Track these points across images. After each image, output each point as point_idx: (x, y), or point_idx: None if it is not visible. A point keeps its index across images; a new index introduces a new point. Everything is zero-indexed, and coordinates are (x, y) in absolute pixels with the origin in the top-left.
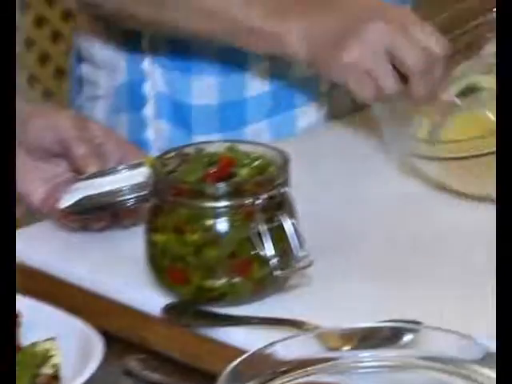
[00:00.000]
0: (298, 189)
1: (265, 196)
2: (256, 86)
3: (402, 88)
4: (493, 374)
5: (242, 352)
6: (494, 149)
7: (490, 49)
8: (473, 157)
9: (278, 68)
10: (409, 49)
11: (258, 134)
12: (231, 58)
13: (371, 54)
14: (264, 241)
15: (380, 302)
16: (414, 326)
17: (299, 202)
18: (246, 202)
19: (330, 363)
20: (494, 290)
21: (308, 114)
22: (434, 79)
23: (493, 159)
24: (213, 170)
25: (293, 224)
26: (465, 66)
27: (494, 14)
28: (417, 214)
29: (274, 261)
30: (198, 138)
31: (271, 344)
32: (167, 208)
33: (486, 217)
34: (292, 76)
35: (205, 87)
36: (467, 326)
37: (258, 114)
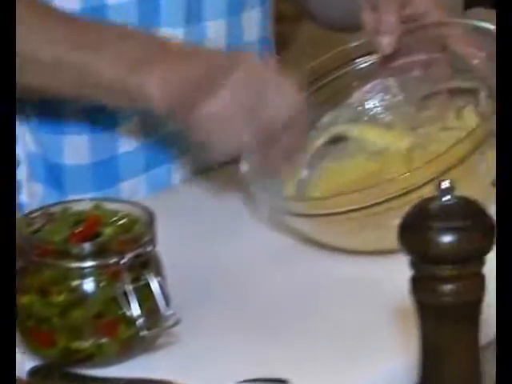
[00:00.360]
0: (165, 246)
1: (130, 255)
2: (128, 142)
3: (260, 144)
4: None
5: None
6: (358, 205)
7: (357, 97)
8: (338, 213)
9: (149, 122)
10: (267, 108)
11: (133, 191)
12: (101, 115)
13: (230, 107)
14: (130, 300)
15: (248, 360)
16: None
17: (167, 260)
18: (111, 261)
19: None
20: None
21: (183, 168)
22: (290, 143)
23: (359, 214)
24: (78, 229)
25: (159, 283)
26: (332, 115)
27: (361, 63)
28: (284, 269)
29: (141, 321)
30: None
31: None
32: (32, 269)
33: (357, 270)
34: (164, 130)
35: (76, 146)
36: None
37: (131, 170)
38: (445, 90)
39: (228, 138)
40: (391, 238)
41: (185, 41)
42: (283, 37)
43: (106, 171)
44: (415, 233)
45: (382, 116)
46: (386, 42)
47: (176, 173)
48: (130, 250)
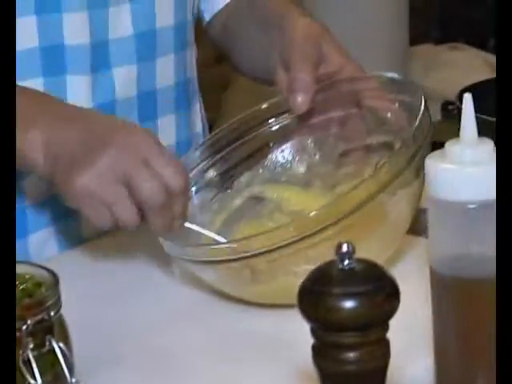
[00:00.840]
0: (72, 308)
1: (33, 321)
2: (35, 194)
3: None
4: None
5: None
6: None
7: (274, 157)
8: (241, 259)
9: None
10: (145, 181)
11: (41, 246)
12: None
13: (104, 182)
14: (34, 368)
15: None
16: None
17: (74, 323)
18: None
19: None
20: None
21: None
22: (171, 214)
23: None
24: None
25: (63, 349)
26: (249, 176)
27: (277, 123)
28: (193, 325)
29: None
30: None
31: None
32: None
33: (269, 325)
34: None
35: None
36: None
37: (39, 223)
38: (361, 146)
39: (100, 213)
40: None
41: (91, 89)
42: (224, 77)
43: None
44: (315, 299)
45: (299, 176)
46: (301, 101)
47: (85, 227)
48: (33, 315)
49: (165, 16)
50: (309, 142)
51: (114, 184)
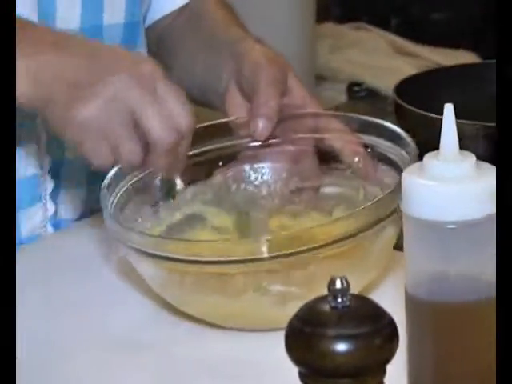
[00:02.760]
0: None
1: None
2: None
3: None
4: None
5: None
6: None
7: (222, 179)
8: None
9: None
10: (154, 119)
11: None
12: None
13: (110, 115)
14: None
15: None
16: None
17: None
18: None
19: None
20: None
21: (34, 216)
22: (176, 155)
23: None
24: None
25: None
26: (193, 192)
27: (229, 143)
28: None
29: None
30: None
31: None
32: None
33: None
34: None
35: None
36: None
37: None
38: (313, 187)
39: (101, 149)
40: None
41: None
42: None
43: None
44: (306, 342)
45: (240, 204)
46: (262, 127)
47: (24, 223)
48: None
49: (114, 13)
50: (259, 171)
51: (120, 117)
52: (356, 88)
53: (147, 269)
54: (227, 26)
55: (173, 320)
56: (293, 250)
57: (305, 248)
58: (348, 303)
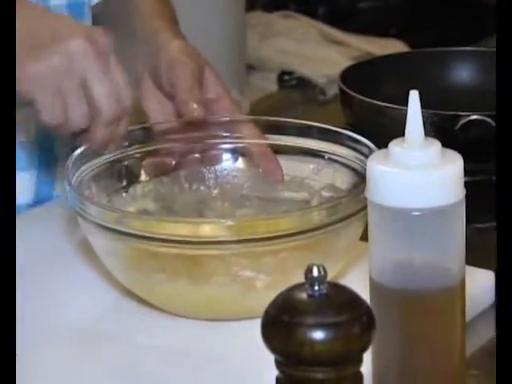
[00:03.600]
0: None
1: None
2: None
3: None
4: None
5: None
6: None
7: (174, 178)
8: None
9: None
10: (105, 90)
11: None
12: None
13: (65, 73)
14: None
15: None
16: None
17: None
18: None
19: None
20: None
21: None
22: (115, 130)
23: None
24: None
25: None
26: (144, 187)
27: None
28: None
29: None
30: None
31: None
32: None
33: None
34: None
35: None
36: None
37: None
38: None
39: (53, 104)
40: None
41: None
42: None
43: None
44: (284, 331)
45: (192, 204)
46: (198, 106)
47: None
48: None
49: None
50: (208, 174)
51: (73, 79)
52: (286, 77)
53: (109, 249)
54: (151, 18)
55: (136, 309)
56: (259, 236)
57: (270, 235)
58: (325, 291)
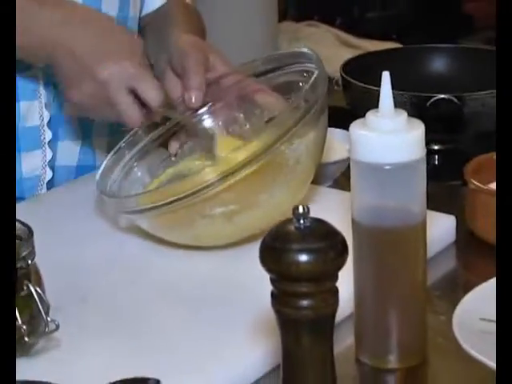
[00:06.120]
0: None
1: None
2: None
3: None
4: None
5: None
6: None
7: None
8: (163, 205)
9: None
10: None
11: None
12: None
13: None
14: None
15: (123, 362)
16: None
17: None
18: None
19: None
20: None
21: (33, 160)
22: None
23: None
24: None
25: (39, 292)
26: (190, 145)
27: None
28: (139, 270)
29: (23, 328)
30: None
31: None
32: None
33: (212, 267)
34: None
35: None
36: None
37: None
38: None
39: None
40: (221, 228)
41: None
42: None
43: None
44: (277, 255)
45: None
46: (195, 97)
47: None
48: None
49: (109, 6)
50: (238, 114)
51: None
52: None
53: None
54: (173, 26)
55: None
56: (212, 180)
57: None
58: (308, 224)
